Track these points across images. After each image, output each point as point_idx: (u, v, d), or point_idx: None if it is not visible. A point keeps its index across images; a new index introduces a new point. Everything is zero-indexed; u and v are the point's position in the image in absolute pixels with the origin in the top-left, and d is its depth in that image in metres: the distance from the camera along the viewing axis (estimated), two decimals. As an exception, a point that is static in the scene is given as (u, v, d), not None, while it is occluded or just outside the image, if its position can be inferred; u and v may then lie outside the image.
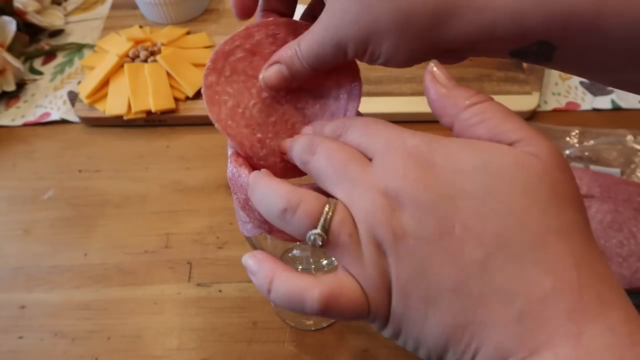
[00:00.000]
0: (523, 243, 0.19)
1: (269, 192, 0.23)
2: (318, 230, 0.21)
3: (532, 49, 0.22)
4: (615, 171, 0.51)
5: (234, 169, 0.26)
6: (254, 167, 0.26)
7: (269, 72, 0.27)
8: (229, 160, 0.27)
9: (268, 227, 0.27)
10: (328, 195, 0.23)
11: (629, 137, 0.53)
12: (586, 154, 0.53)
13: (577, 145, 0.53)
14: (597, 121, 0.58)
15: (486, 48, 0.23)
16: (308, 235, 0.21)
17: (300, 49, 0.25)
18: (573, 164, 0.52)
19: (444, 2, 0.21)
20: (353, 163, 0.22)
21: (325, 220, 0.21)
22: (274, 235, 0.27)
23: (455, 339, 0.20)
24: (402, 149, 0.21)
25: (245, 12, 0.28)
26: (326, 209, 0.21)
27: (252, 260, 0.23)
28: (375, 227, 0.20)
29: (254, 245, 0.34)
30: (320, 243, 0.21)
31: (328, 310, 0.21)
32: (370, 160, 0.22)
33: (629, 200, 0.46)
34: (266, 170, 0.25)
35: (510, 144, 0.20)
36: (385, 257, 0.20)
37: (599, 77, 0.24)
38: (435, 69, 0.23)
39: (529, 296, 0.18)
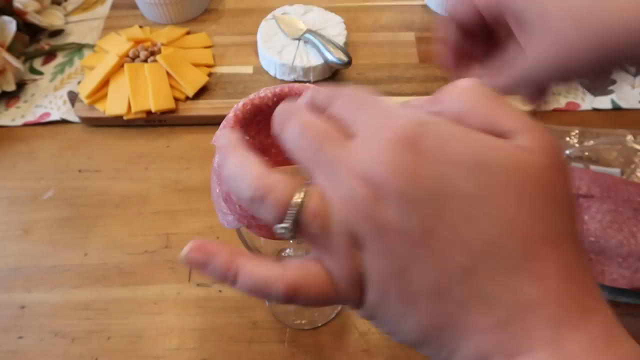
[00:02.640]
0: (512, 252, 0.18)
1: (238, 172, 0.21)
2: (286, 225, 0.19)
3: None
4: (615, 171, 0.51)
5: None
6: None
7: None
8: (217, 150, 0.27)
9: (247, 221, 0.27)
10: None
11: (629, 137, 0.53)
12: (586, 154, 0.53)
13: (577, 145, 0.53)
14: (597, 121, 0.58)
15: None
16: (275, 228, 0.20)
17: None
18: (573, 164, 0.52)
19: None
20: (329, 142, 0.20)
21: (295, 212, 0.19)
22: (252, 231, 0.27)
23: (432, 337, 0.19)
24: (388, 129, 0.19)
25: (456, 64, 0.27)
26: (296, 199, 0.19)
27: (201, 253, 0.21)
28: (353, 219, 0.19)
29: (247, 244, 0.34)
30: (289, 237, 0.20)
31: (293, 300, 0.21)
32: (353, 136, 0.20)
33: (629, 200, 0.46)
34: (237, 140, 0.22)
35: (504, 133, 0.19)
36: (360, 250, 0.19)
37: None
38: None
39: (512, 304, 0.18)
